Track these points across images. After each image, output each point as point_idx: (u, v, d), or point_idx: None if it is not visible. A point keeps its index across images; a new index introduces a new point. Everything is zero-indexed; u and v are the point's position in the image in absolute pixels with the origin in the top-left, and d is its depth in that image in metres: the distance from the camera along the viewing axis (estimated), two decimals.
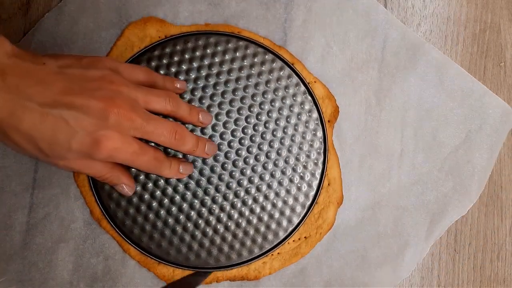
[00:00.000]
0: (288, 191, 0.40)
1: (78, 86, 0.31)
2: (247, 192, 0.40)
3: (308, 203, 0.40)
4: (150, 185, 0.39)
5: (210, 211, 0.39)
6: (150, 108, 0.34)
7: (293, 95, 0.41)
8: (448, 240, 0.43)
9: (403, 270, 0.42)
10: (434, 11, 0.44)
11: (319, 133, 0.41)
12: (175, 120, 0.38)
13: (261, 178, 0.40)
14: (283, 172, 0.40)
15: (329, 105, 0.41)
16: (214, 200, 0.40)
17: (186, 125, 0.39)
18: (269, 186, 0.40)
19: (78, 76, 0.31)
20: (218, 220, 0.39)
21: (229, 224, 0.40)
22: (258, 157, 0.40)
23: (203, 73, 0.40)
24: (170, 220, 0.39)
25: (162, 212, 0.39)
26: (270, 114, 0.40)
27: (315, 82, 0.41)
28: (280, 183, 0.40)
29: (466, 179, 0.42)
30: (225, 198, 0.40)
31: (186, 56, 0.40)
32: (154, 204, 0.39)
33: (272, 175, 0.40)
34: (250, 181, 0.40)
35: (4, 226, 0.39)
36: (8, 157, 0.40)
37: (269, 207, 0.40)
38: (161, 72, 0.40)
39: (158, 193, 0.39)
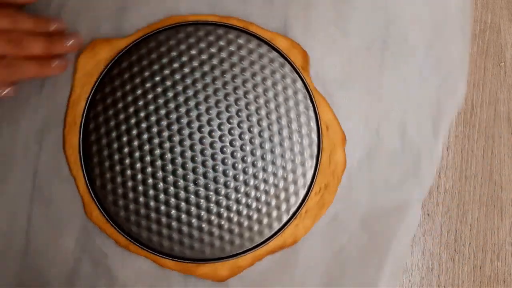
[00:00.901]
0: (292, 151, 0.40)
1: None
2: (253, 165, 0.40)
3: (315, 153, 0.40)
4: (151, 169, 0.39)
5: (224, 191, 0.40)
6: None
7: (258, 57, 0.41)
8: (448, 240, 0.43)
9: (425, 179, 0.42)
10: None
11: (299, 83, 0.40)
12: None
13: (261, 146, 0.40)
14: (280, 133, 0.40)
15: (297, 54, 0.41)
16: (224, 182, 0.40)
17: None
18: (272, 151, 0.40)
19: None
20: (237, 201, 0.40)
21: (249, 201, 0.40)
22: (251, 129, 0.40)
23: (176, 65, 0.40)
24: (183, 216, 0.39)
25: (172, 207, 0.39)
26: (245, 85, 0.40)
27: (274, 38, 0.41)
28: (281, 145, 0.40)
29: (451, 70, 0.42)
30: (234, 173, 0.40)
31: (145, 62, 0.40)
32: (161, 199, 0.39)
33: (270, 140, 0.40)
34: (252, 152, 0.40)
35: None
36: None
37: (280, 172, 0.40)
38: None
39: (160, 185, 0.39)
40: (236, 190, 0.40)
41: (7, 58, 0.35)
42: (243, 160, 0.40)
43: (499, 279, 0.44)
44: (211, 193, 0.40)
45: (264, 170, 0.40)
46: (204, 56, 0.40)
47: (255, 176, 0.40)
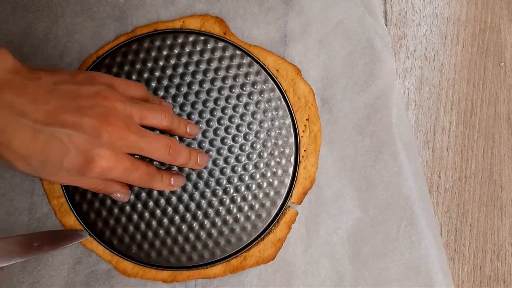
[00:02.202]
0: (268, 165, 0.40)
1: (72, 103, 0.31)
2: (233, 171, 0.40)
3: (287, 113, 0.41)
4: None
5: (199, 205, 0.40)
6: (146, 123, 0.34)
7: (250, 77, 0.41)
8: (448, 240, 0.43)
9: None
10: (434, 11, 0.44)
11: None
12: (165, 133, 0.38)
13: (245, 168, 0.40)
14: (257, 162, 0.40)
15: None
16: (200, 192, 0.40)
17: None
18: (252, 177, 0.40)
19: (72, 93, 0.31)
20: (217, 213, 0.40)
21: (231, 207, 0.40)
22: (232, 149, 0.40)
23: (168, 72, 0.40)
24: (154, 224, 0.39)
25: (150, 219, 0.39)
26: (237, 109, 0.40)
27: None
28: (256, 167, 0.40)
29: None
30: (217, 183, 0.40)
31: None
32: (138, 211, 0.39)
33: (245, 168, 0.40)
34: (233, 169, 0.40)
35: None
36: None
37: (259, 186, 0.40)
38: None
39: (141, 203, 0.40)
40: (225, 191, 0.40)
41: (152, 167, 0.36)
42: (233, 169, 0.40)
43: (499, 279, 0.44)
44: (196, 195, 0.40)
45: (249, 177, 0.40)
46: (190, 67, 0.41)
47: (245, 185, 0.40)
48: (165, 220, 0.39)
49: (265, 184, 0.40)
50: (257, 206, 0.40)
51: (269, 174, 0.40)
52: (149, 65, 0.40)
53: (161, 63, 0.40)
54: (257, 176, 0.40)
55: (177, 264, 0.39)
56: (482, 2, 0.45)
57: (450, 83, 0.44)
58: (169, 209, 0.39)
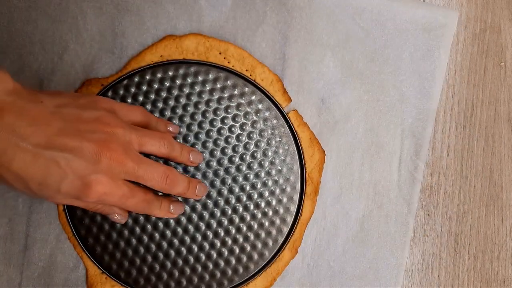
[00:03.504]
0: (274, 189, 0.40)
1: (73, 127, 0.31)
2: (238, 201, 0.40)
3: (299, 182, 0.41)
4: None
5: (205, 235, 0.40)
6: (144, 150, 0.35)
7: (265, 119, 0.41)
8: (448, 240, 0.43)
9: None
10: None
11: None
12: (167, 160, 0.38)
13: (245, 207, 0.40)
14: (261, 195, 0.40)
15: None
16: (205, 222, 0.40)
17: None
18: (253, 216, 0.40)
19: (74, 117, 0.31)
20: (221, 243, 0.40)
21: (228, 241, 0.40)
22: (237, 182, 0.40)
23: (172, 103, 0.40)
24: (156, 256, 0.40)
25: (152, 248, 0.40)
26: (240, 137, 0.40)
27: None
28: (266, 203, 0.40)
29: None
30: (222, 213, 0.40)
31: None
32: (136, 240, 0.39)
33: (246, 208, 0.40)
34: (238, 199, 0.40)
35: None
36: None
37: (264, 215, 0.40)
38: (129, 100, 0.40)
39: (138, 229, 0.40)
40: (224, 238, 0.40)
41: (150, 194, 0.36)
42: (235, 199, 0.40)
43: (499, 279, 0.44)
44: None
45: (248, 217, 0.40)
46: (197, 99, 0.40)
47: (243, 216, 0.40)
48: (171, 251, 0.40)
49: (267, 223, 0.40)
50: (263, 235, 0.40)
51: (274, 202, 0.40)
52: (152, 97, 0.40)
53: (163, 94, 0.40)
54: (262, 205, 0.40)
55: None
56: (483, 2, 0.45)
57: (450, 83, 0.44)
58: (175, 240, 0.40)
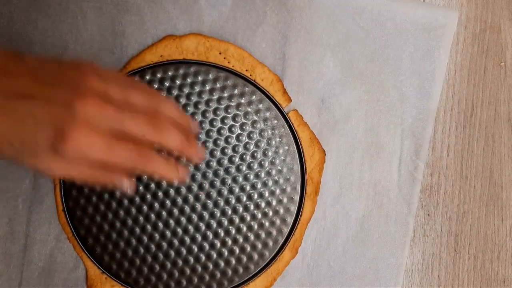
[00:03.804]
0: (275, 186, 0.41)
1: (48, 78, 0.29)
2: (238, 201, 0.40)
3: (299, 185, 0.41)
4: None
5: (207, 228, 0.40)
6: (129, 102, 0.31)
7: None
8: (448, 240, 0.43)
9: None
10: None
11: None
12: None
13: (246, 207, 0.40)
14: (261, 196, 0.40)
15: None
16: (206, 217, 0.40)
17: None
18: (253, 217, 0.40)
19: (52, 70, 0.29)
20: (220, 243, 0.40)
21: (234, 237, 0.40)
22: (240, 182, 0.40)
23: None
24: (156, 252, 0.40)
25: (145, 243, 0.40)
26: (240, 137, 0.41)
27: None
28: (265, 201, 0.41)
29: None
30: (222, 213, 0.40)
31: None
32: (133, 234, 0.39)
33: (246, 208, 0.40)
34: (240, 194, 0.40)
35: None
36: None
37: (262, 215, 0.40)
38: None
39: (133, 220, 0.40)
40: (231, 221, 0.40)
41: (142, 146, 0.31)
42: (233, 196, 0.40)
43: (499, 279, 0.44)
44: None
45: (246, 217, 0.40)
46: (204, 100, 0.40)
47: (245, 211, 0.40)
48: (171, 251, 0.40)
49: (267, 224, 0.40)
50: (263, 235, 0.40)
51: (274, 202, 0.40)
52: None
53: (163, 94, 0.40)
54: (262, 205, 0.40)
55: None
56: (483, 2, 0.45)
57: (450, 83, 0.44)
58: (175, 240, 0.40)
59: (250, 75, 0.41)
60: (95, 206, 0.39)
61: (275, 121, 0.41)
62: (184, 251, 0.39)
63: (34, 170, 0.30)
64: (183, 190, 0.40)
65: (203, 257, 0.40)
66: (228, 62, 0.41)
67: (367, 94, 0.42)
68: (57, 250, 0.40)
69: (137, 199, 0.39)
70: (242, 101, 0.40)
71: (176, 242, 0.39)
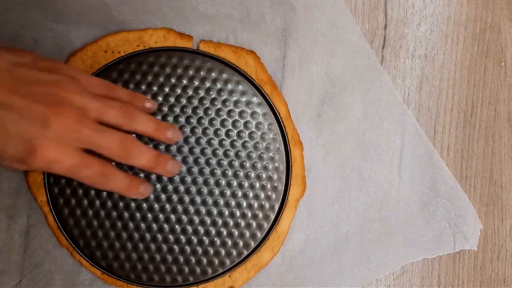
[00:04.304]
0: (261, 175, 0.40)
1: (25, 88, 0.29)
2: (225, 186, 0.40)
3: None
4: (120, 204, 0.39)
5: (191, 221, 0.39)
6: (104, 120, 0.32)
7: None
8: None
9: None
10: (434, 11, 0.44)
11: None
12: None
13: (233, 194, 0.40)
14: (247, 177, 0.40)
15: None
16: (188, 210, 0.40)
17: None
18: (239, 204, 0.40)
19: (29, 77, 0.29)
20: (204, 229, 0.40)
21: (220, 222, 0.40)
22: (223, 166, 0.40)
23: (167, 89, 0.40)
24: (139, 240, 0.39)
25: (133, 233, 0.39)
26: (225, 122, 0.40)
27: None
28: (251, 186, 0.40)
29: None
30: (203, 203, 0.40)
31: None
32: (120, 224, 0.39)
33: (231, 187, 0.40)
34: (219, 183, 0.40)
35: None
36: None
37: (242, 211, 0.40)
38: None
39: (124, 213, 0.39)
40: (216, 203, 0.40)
41: (107, 167, 0.32)
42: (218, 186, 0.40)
43: (499, 279, 0.44)
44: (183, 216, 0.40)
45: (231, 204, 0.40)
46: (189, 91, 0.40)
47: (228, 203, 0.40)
48: (159, 239, 0.39)
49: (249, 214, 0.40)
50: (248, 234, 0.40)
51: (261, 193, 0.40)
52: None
53: (149, 78, 0.39)
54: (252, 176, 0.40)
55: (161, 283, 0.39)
56: (483, 2, 0.45)
57: (450, 83, 0.44)
58: (159, 235, 0.39)
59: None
60: (79, 200, 0.39)
61: (264, 115, 0.40)
62: (171, 237, 0.39)
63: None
64: (176, 178, 0.39)
65: (193, 245, 0.39)
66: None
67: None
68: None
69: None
70: (220, 86, 0.40)
71: (160, 237, 0.39)
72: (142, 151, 0.33)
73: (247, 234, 0.40)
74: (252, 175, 0.40)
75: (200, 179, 0.39)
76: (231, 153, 0.40)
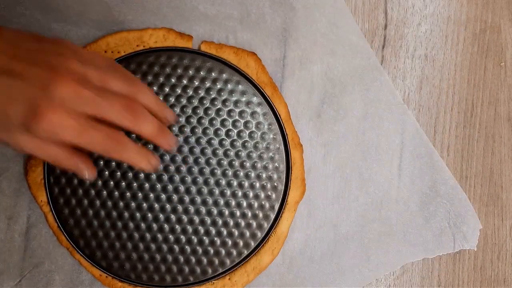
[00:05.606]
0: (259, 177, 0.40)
1: (26, 55, 0.28)
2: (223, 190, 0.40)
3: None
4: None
5: (191, 221, 0.39)
6: (107, 87, 0.31)
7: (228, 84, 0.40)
8: None
9: None
10: (434, 11, 0.44)
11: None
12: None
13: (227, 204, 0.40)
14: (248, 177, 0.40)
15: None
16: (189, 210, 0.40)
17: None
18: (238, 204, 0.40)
19: (31, 48, 0.29)
20: (202, 229, 0.40)
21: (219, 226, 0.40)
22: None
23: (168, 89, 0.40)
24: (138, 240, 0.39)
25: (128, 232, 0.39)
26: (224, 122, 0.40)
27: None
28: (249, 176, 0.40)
29: None
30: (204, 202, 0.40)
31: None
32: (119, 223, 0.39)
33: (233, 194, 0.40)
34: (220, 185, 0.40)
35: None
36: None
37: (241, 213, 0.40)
38: None
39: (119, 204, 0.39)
40: (216, 203, 0.40)
41: (115, 132, 0.31)
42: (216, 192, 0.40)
43: (499, 279, 0.44)
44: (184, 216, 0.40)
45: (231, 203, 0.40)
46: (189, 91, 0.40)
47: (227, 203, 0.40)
48: (159, 239, 0.39)
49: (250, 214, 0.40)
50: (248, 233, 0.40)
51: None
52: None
53: (149, 78, 0.39)
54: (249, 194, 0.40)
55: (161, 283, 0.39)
56: (483, 1, 0.45)
57: (450, 83, 0.44)
58: (159, 235, 0.39)
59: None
60: (79, 200, 0.39)
61: (265, 116, 0.40)
62: (171, 237, 0.39)
63: (3, 144, 0.29)
64: (176, 178, 0.39)
65: (194, 239, 0.39)
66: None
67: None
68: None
69: (123, 183, 0.39)
70: (229, 86, 0.40)
71: (160, 236, 0.39)
72: (148, 116, 0.32)
73: (247, 234, 0.40)
74: (252, 175, 0.40)
75: (200, 179, 0.39)
76: (231, 153, 0.40)
